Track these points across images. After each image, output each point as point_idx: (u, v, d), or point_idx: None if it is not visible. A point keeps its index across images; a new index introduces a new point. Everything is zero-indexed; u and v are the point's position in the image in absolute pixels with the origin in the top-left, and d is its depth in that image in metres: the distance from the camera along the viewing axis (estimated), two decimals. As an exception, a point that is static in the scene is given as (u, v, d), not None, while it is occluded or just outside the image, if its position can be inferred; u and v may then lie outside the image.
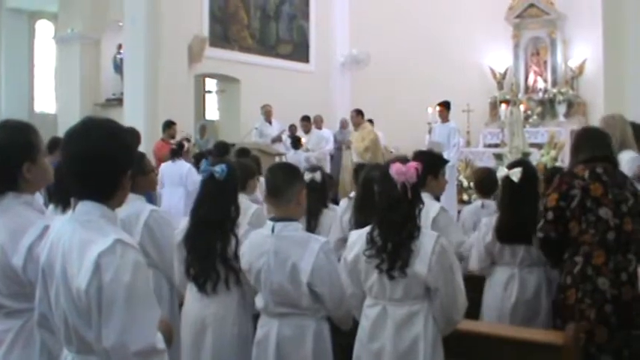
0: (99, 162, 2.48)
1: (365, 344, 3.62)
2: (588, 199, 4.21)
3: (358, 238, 3.67)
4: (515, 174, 4.65)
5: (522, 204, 4.64)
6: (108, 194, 2.55)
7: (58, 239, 2.53)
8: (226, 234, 4.05)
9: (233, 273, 4.05)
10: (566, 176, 4.37)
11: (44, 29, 21.83)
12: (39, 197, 4.99)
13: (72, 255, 2.43)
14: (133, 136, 2.71)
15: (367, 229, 3.63)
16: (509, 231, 4.70)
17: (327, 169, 15.63)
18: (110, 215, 2.55)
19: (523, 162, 5.09)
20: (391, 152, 19.51)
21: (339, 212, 5.80)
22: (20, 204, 3.04)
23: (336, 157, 15.90)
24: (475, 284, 4.84)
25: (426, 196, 4.94)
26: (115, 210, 2.61)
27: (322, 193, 6.09)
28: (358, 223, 4.66)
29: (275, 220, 3.83)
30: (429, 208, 4.88)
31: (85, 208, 2.52)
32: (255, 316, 4.09)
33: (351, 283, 3.69)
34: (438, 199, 5.36)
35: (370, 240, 3.56)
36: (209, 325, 4.09)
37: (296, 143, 14.53)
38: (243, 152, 10.96)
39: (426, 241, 3.50)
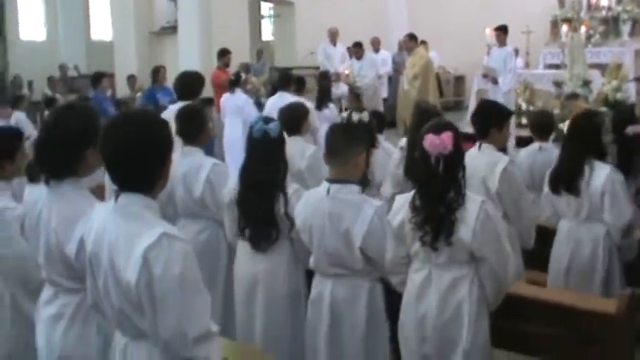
0: (142, 155, 2.49)
1: (410, 309, 3.59)
2: None
3: (403, 204, 3.59)
4: None
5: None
6: (150, 185, 2.57)
7: (103, 230, 2.56)
8: (277, 193, 4.04)
9: (284, 231, 4.08)
10: None
11: (100, -43, 21.79)
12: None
13: (119, 248, 2.47)
14: (167, 127, 2.60)
15: (411, 195, 3.55)
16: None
17: (384, 93, 15.52)
18: (153, 206, 2.58)
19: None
20: (449, 73, 19.29)
21: (392, 165, 5.70)
22: (77, 189, 3.07)
23: (394, 81, 15.73)
24: (544, 236, 4.84)
25: (489, 148, 4.80)
26: (157, 198, 2.64)
27: (370, 134, 5.98)
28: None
29: (331, 181, 3.77)
30: (496, 161, 4.72)
31: (128, 199, 2.54)
32: (309, 272, 4.10)
33: (396, 246, 3.63)
34: (504, 150, 5.14)
35: (413, 208, 3.49)
36: (260, 281, 4.15)
37: None
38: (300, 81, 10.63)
39: (471, 207, 3.40)
